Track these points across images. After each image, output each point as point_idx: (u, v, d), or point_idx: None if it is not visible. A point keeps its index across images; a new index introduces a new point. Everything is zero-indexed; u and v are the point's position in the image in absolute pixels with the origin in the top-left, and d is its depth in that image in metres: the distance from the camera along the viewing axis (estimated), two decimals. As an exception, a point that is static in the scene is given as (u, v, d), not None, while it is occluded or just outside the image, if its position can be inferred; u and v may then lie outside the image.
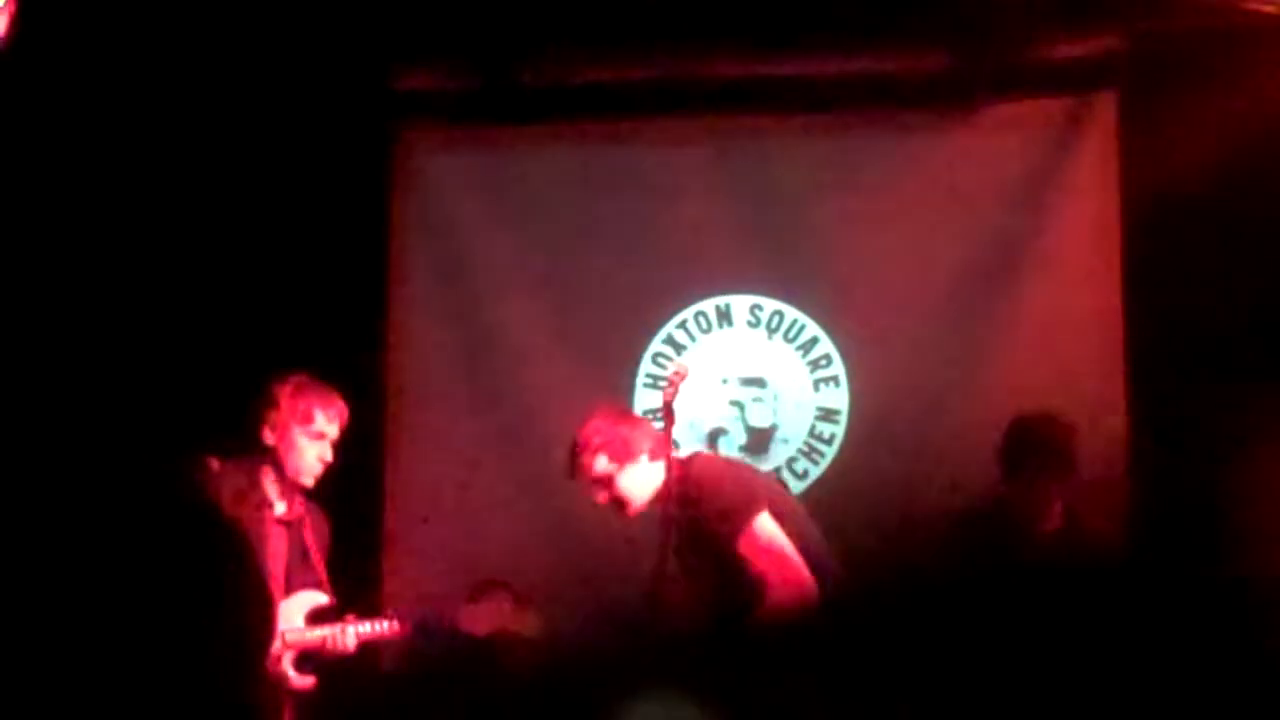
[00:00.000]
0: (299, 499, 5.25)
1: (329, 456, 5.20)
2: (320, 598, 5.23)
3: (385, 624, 5.30)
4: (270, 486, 5.19)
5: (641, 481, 5.11)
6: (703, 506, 4.99)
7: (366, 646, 5.37)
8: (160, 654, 1.30)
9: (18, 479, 1.38)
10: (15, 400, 5.55)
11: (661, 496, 5.04)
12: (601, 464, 5.13)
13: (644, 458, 5.12)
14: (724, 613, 5.01)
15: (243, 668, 1.35)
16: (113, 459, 1.39)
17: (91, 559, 1.31)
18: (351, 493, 5.98)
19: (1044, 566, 5.09)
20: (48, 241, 6.05)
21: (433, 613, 5.39)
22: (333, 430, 5.19)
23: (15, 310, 5.85)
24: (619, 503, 5.14)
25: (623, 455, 5.11)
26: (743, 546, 4.92)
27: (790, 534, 4.94)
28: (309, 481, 5.22)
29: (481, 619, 5.41)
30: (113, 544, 1.32)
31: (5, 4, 4.68)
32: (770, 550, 4.90)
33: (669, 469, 5.04)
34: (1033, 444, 5.37)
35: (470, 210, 6.75)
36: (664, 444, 5.09)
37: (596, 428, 5.18)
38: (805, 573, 4.89)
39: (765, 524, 4.93)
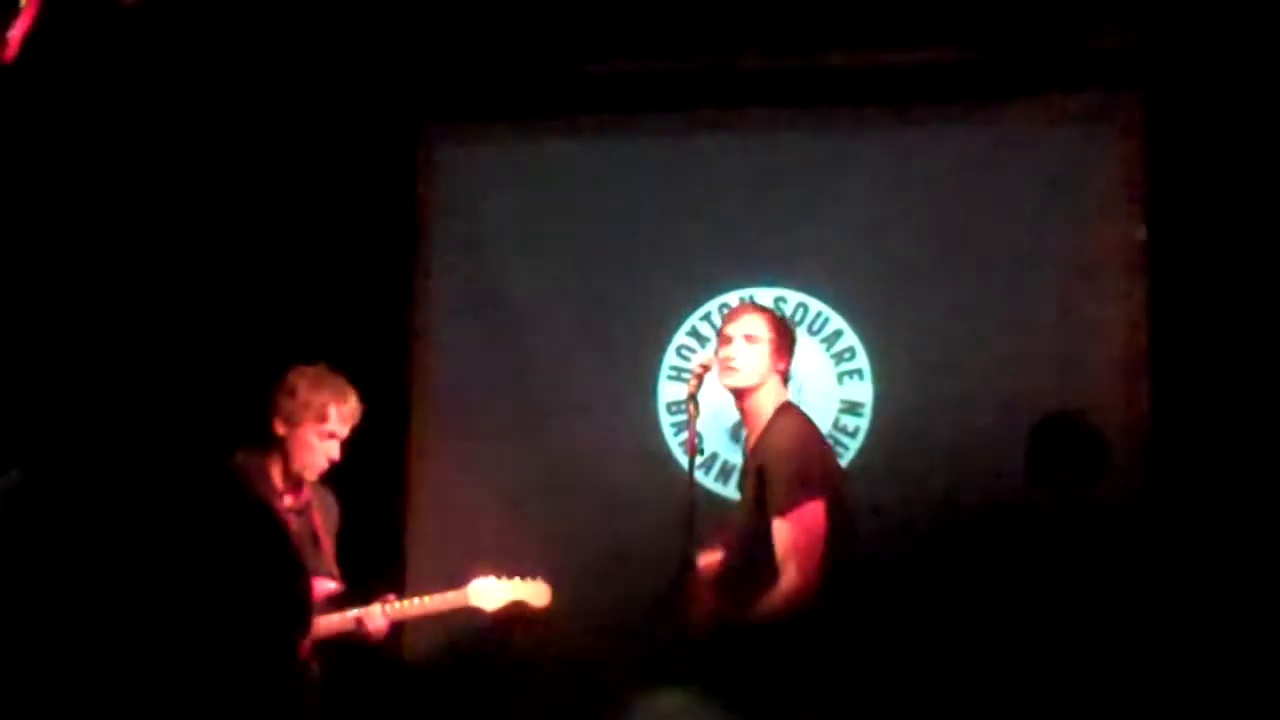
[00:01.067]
0: (306, 486, 5.27)
1: (336, 455, 5.20)
2: (329, 584, 5.24)
3: (395, 605, 5.31)
4: (277, 476, 5.21)
5: (761, 372, 5.06)
6: (771, 461, 4.95)
7: (391, 633, 5.40)
8: (198, 644, 1.31)
9: (47, 465, 1.39)
10: (45, 388, 5.59)
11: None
12: (761, 328, 5.09)
13: (781, 366, 5.10)
14: (736, 583, 5.00)
15: (282, 657, 1.36)
16: (148, 447, 1.40)
17: (133, 549, 1.32)
18: (376, 481, 6.01)
19: (1063, 560, 5.09)
20: (76, 243, 6.10)
21: (445, 591, 5.41)
22: (344, 430, 5.19)
23: (47, 300, 5.89)
24: (734, 362, 5.06)
25: (779, 343, 5.09)
26: (780, 524, 4.88)
27: (835, 526, 4.92)
28: (312, 476, 5.24)
29: (492, 594, 5.43)
30: (155, 533, 1.33)
31: (26, 3, 4.71)
32: (803, 541, 4.88)
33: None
34: (1060, 442, 5.36)
35: (496, 203, 6.77)
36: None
37: (781, 316, 5.35)
38: (815, 575, 4.86)
39: (815, 512, 4.90)
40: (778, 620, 4.84)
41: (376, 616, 5.23)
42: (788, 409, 5.10)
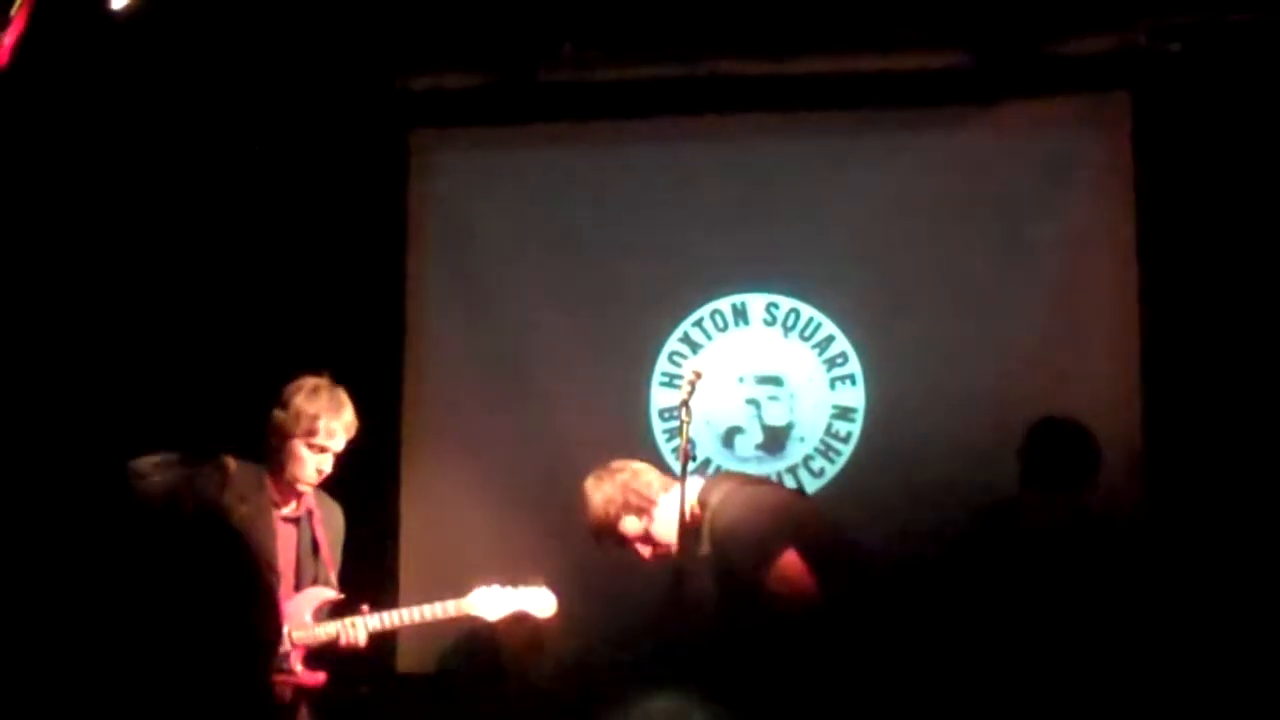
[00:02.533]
0: (305, 495, 5.22)
1: (328, 468, 5.15)
2: (328, 593, 5.22)
3: (394, 616, 5.29)
4: (270, 485, 5.18)
5: (663, 527, 5.04)
6: (729, 548, 4.90)
7: (380, 643, 5.38)
8: (163, 658, 1.30)
9: (28, 478, 1.38)
10: (37, 400, 5.58)
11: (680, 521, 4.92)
12: (632, 525, 5.08)
13: (661, 496, 5.06)
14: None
15: (247, 671, 1.35)
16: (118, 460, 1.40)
17: (95, 561, 1.32)
18: (368, 489, 6.00)
19: (1057, 564, 5.08)
20: (71, 249, 6.09)
21: (444, 601, 5.39)
22: (336, 444, 5.13)
23: (40, 315, 5.89)
24: (664, 550, 5.05)
25: (645, 505, 5.06)
26: (771, 584, 4.83)
27: (814, 559, 4.88)
28: (305, 489, 5.19)
29: (492, 604, 5.41)
30: (115, 545, 1.33)
31: (18, 9, 4.71)
32: (796, 587, 4.83)
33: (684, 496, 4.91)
34: (1055, 447, 5.36)
35: (486, 210, 6.77)
36: (659, 481, 5.07)
37: (607, 496, 5.12)
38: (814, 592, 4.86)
39: (790, 562, 4.83)
40: (780, 620, 4.85)
41: (358, 628, 5.19)
42: (705, 491, 5.02)
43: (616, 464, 5.21)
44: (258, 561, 1.42)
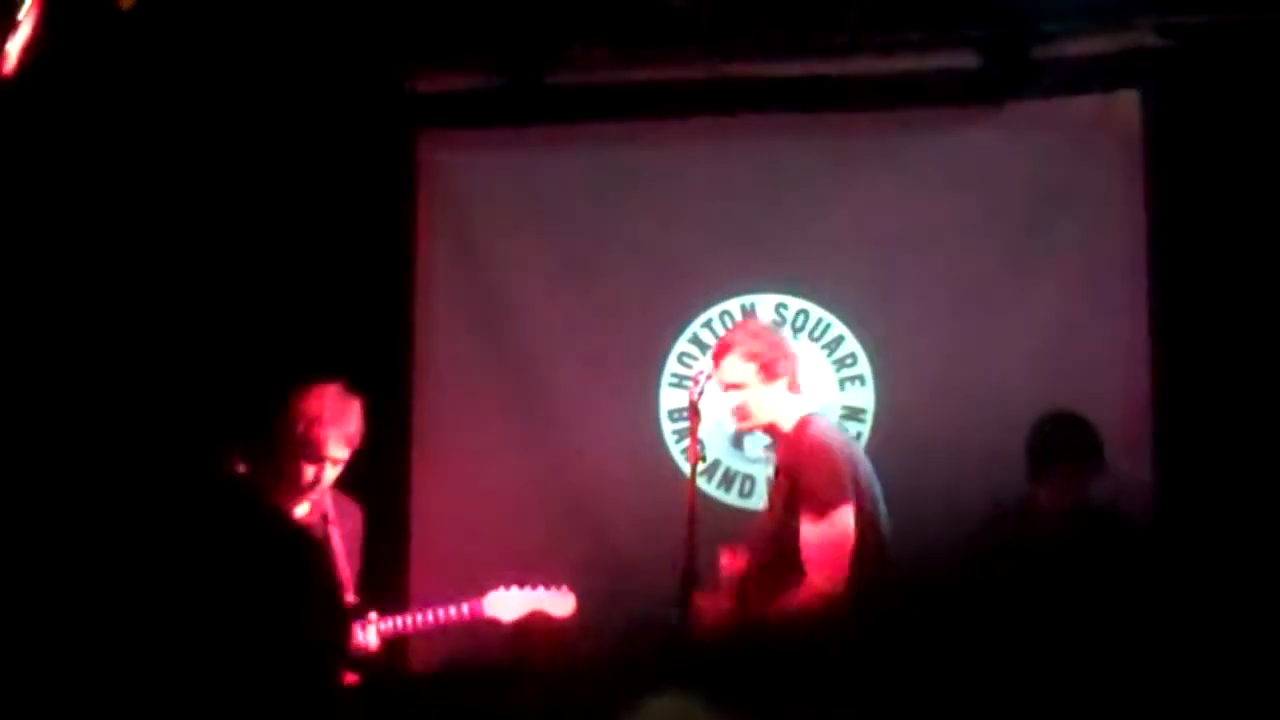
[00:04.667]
0: (320, 498, 5.15)
1: (329, 479, 5.05)
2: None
3: (407, 619, 5.28)
4: (280, 491, 5.10)
5: (768, 405, 5.04)
6: (804, 467, 4.93)
7: (392, 644, 5.37)
8: (253, 664, 1.30)
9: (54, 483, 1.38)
10: (53, 405, 5.59)
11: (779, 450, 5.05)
12: (743, 371, 5.05)
13: (782, 383, 5.05)
14: (759, 587, 5.01)
15: (326, 677, 1.35)
16: (163, 463, 1.40)
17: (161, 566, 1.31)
18: (378, 491, 5.99)
19: (1067, 561, 5.08)
20: (78, 251, 6.09)
21: (459, 603, 5.37)
22: (339, 453, 5.03)
23: (46, 314, 5.89)
24: (739, 412, 5.07)
25: (767, 372, 5.04)
26: (809, 527, 4.87)
27: (866, 531, 4.92)
28: (306, 495, 5.08)
29: (509, 605, 5.40)
30: (186, 552, 1.32)
31: (30, 6, 4.71)
32: (830, 545, 4.87)
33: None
34: (1059, 442, 5.36)
35: (493, 211, 6.77)
36: (799, 381, 5.08)
37: (755, 333, 5.18)
38: (843, 579, 4.86)
39: (844, 518, 4.88)
40: (797, 621, 4.85)
41: (368, 631, 5.18)
42: (812, 420, 5.07)
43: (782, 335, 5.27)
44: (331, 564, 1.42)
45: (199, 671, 1.26)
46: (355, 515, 5.30)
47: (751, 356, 5.04)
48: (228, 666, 1.27)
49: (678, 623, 5.05)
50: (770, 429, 5.10)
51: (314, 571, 1.34)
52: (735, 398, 5.05)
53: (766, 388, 5.02)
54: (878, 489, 5.08)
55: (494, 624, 5.41)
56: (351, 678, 5.14)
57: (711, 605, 5.03)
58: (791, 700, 4.77)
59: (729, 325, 6.57)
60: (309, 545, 1.38)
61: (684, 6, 6.24)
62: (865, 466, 5.11)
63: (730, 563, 5.10)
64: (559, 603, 5.45)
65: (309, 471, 5.01)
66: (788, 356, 5.10)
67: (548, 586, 5.46)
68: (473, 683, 6.00)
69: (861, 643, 4.90)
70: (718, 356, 5.14)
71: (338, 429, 5.01)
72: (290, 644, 1.30)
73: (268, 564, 1.33)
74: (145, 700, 1.25)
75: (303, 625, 1.32)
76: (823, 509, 4.85)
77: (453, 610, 5.35)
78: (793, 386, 5.07)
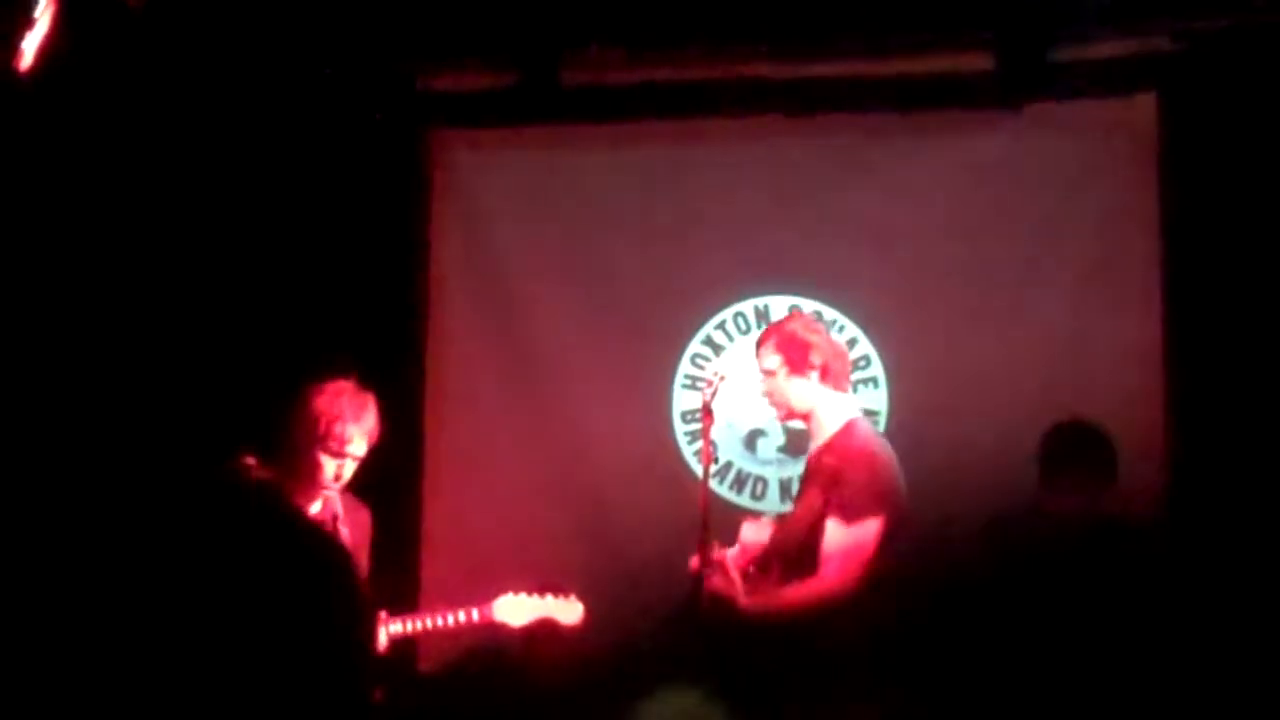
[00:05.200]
0: (330, 499, 5.12)
1: (348, 474, 5.04)
2: None
3: (416, 622, 5.28)
4: (293, 490, 5.09)
5: (795, 395, 5.06)
6: (848, 467, 4.93)
7: (401, 646, 5.37)
8: (284, 669, 1.29)
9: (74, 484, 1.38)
10: (65, 403, 5.59)
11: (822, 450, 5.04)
12: (772, 361, 5.08)
13: (814, 375, 5.05)
14: (771, 576, 5.00)
15: (357, 679, 1.35)
16: (179, 462, 1.39)
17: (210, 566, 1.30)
18: (390, 491, 5.99)
19: (1075, 569, 5.07)
20: (90, 252, 6.09)
21: (469, 606, 5.37)
22: (358, 449, 5.02)
23: (58, 313, 5.89)
24: (767, 398, 5.13)
25: (795, 364, 5.05)
26: (835, 525, 4.87)
27: (890, 550, 4.91)
28: (328, 493, 5.08)
29: (518, 611, 5.40)
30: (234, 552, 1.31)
31: (47, 4, 4.72)
32: (851, 548, 4.87)
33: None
34: (1073, 451, 5.35)
35: (507, 212, 6.77)
36: (840, 378, 5.10)
37: (793, 325, 5.20)
38: (853, 583, 4.87)
39: (870, 529, 4.87)
40: (801, 613, 4.86)
41: (380, 635, 5.17)
42: (857, 425, 5.08)
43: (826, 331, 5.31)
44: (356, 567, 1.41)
45: (229, 677, 1.25)
46: (363, 516, 5.27)
47: (782, 346, 5.08)
48: (260, 670, 1.26)
49: (689, 621, 5.06)
50: (806, 419, 5.11)
51: (342, 572, 1.34)
52: (764, 385, 5.11)
53: (795, 378, 5.04)
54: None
55: (503, 628, 5.41)
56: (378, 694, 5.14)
57: (721, 590, 5.03)
58: (796, 691, 4.78)
59: (741, 327, 6.57)
60: (334, 546, 1.37)
61: None
62: (902, 478, 5.11)
63: (738, 559, 5.11)
64: (568, 611, 5.44)
65: (331, 468, 5.01)
66: (822, 350, 5.09)
67: (557, 594, 5.44)
68: (481, 684, 6.00)
69: (866, 639, 4.90)
70: (758, 345, 5.20)
71: (358, 425, 5.02)
72: (322, 646, 1.30)
73: (296, 566, 1.32)
74: (175, 704, 1.25)
75: (334, 627, 1.32)
76: (854, 515, 4.86)
77: (462, 614, 5.34)
78: (827, 380, 5.06)
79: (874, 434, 5.18)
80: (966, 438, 6.16)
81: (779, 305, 6.57)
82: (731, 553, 5.13)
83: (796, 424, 5.27)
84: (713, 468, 5.35)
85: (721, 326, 6.60)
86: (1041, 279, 6.36)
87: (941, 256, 6.43)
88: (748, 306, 6.61)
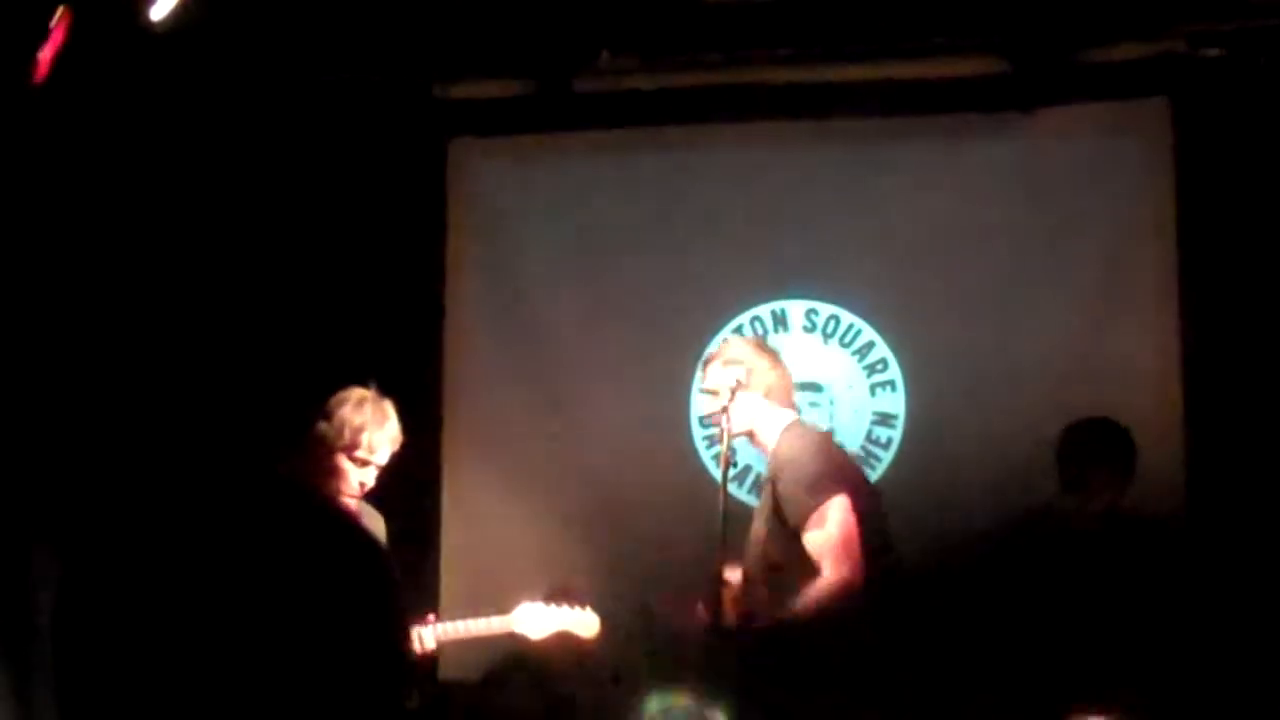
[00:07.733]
0: (349, 508, 5.07)
1: (371, 482, 5.07)
2: None
3: (439, 629, 5.29)
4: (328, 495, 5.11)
5: (744, 414, 5.22)
6: (786, 472, 5.07)
7: (421, 654, 5.37)
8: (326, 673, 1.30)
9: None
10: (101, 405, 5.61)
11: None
12: (721, 377, 5.25)
13: (758, 394, 5.22)
14: (778, 583, 5.06)
15: (400, 679, 1.36)
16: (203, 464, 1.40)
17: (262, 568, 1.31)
18: (409, 498, 6.00)
19: (1095, 567, 5.08)
20: (112, 261, 6.12)
21: (487, 613, 5.38)
22: (381, 457, 5.05)
23: (78, 321, 5.91)
24: (714, 418, 5.31)
25: (746, 380, 5.20)
26: (813, 521, 4.99)
27: (862, 522, 4.99)
28: (348, 501, 5.07)
29: (536, 622, 5.40)
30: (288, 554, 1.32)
31: (56, 21, 4.74)
32: (835, 535, 4.96)
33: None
34: (1090, 448, 5.35)
35: (524, 217, 6.79)
36: (786, 394, 5.30)
37: (738, 345, 5.48)
38: (859, 565, 4.92)
39: (840, 506, 5.00)
40: (821, 613, 4.89)
41: (426, 638, 5.21)
42: (793, 426, 5.28)
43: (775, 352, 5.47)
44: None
45: (274, 671, 1.27)
46: (379, 525, 5.27)
47: (728, 365, 5.25)
48: (305, 666, 1.27)
49: (709, 625, 5.08)
50: (749, 436, 5.32)
51: (386, 573, 1.35)
52: (713, 402, 5.28)
53: (741, 395, 5.19)
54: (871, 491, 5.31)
55: (521, 639, 5.42)
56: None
57: (739, 602, 5.09)
58: (821, 693, 4.79)
59: (759, 331, 6.58)
60: (380, 549, 1.38)
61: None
62: (848, 455, 5.43)
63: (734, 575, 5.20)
64: (585, 623, 5.45)
65: (356, 476, 5.03)
66: (767, 370, 5.29)
67: (573, 605, 5.45)
68: (500, 691, 6.01)
69: (886, 631, 4.93)
70: (705, 365, 5.42)
71: (383, 433, 5.05)
72: (366, 646, 1.31)
73: (348, 565, 1.33)
74: (225, 704, 1.27)
75: (380, 628, 1.33)
76: (813, 507, 5.01)
77: (480, 622, 5.36)
78: (772, 396, 5.25)
79: (802, 430, 5.34)
80: (985, 438, 6.17)
81: (796, 309, 6.59)
82: (736, 575, 5.20)
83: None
84: (731, 472, 5.36)
85: (739, 331, 6.61)
86: (1058, 281, 6.36)
87: (958, 259, 6.43)
88: (765, 311, 6.62)
